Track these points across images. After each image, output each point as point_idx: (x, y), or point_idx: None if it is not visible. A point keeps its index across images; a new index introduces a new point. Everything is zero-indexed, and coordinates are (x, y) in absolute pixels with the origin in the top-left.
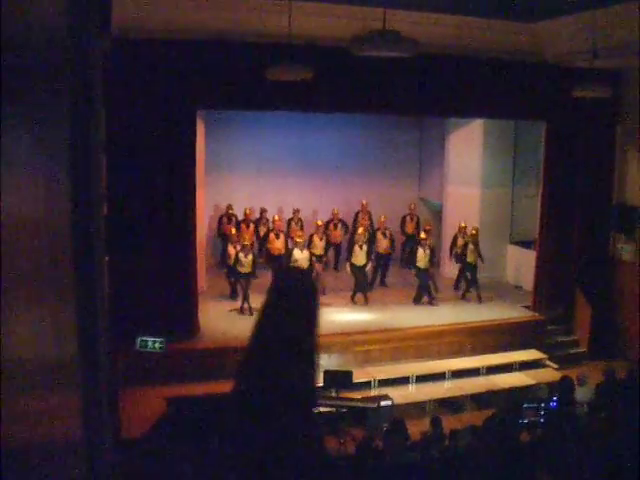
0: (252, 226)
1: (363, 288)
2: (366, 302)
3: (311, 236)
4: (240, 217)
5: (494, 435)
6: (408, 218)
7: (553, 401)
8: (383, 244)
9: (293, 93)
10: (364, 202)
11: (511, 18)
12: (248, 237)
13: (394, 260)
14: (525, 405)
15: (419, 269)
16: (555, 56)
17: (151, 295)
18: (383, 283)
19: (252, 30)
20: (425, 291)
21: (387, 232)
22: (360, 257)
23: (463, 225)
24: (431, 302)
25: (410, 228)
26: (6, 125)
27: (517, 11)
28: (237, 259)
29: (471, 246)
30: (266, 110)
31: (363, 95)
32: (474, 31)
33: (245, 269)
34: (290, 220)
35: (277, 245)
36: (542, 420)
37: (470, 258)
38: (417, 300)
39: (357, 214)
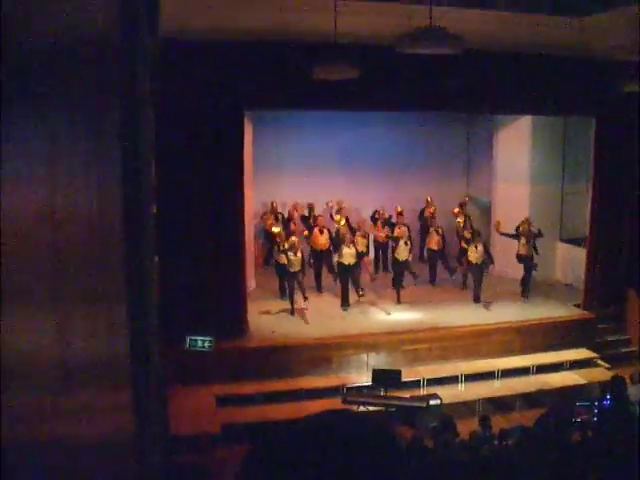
0: (298, 222)
1: (399, 284)
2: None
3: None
4: (286, 215)
5: (546, 434)
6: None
7: (606, 399)
8: (434, 240)
9: (340, 92)
10: (429, 198)
11: (558, 13)
12: (294, 235)
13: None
14: (578, 403)
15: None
16: (604, 51)
17: (201, 294)
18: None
19: (298, 30)
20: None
21: (439, 229)
22: (402, 252)
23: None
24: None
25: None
26: (60, 126)
27: (564, 6)
28: (287, 258)
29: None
30: (313, 110)
31: (410, 93)
32: (521, 27)
33: (294, 268)
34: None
35: (321, 241)
36: (595, 419)
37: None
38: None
39: (422, 210)
